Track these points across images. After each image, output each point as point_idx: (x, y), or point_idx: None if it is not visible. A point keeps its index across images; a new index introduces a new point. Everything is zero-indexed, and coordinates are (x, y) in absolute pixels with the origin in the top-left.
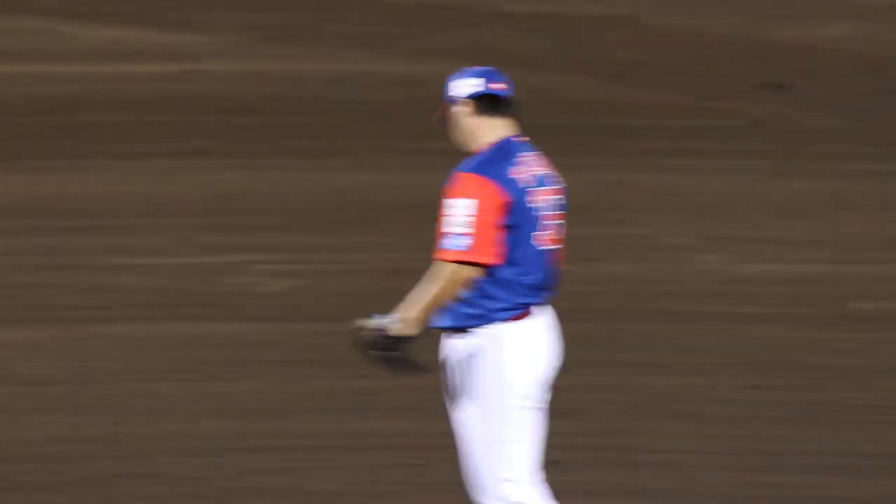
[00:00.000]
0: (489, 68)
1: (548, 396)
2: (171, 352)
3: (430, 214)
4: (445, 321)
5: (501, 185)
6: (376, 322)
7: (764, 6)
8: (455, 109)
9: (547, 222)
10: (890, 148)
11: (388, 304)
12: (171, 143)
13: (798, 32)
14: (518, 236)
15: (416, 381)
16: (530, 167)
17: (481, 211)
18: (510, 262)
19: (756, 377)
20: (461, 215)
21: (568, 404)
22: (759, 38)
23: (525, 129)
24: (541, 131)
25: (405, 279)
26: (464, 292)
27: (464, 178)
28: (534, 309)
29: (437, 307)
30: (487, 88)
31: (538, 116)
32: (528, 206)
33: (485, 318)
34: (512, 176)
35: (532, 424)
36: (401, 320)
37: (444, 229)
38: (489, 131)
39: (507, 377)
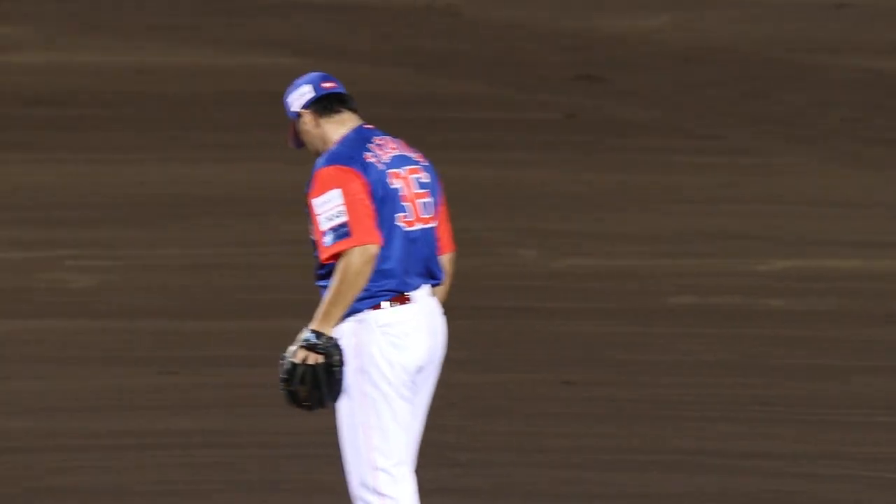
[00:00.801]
0: (315, 73)
1: (426, 387)
2: None
3: (238, 209)
4: None
5: (359, 169)
6: (290, 353)
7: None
8: (300, 124)
9: (410, 203)
10: (706, 140)
11: (186, 301)
12: None
13: (613, 24)
14: (381, 219)
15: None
16: (385, 150)
17: (349, 196)
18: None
19: (569, 373)
20: (330, 208)
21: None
22: (576, 30)
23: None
24: None
25: (213, 274)
26: (366, 279)
27: (322, 174)
28: (410, 294)
29: (344, 303)
30: (320, 89)
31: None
32: (388, 187)
33: (353, 306)
34: (367, 160)
35: (397, 413)
36: (312, 333)
37: (320, 228)
38: (337, 128)
39: (366, 362)
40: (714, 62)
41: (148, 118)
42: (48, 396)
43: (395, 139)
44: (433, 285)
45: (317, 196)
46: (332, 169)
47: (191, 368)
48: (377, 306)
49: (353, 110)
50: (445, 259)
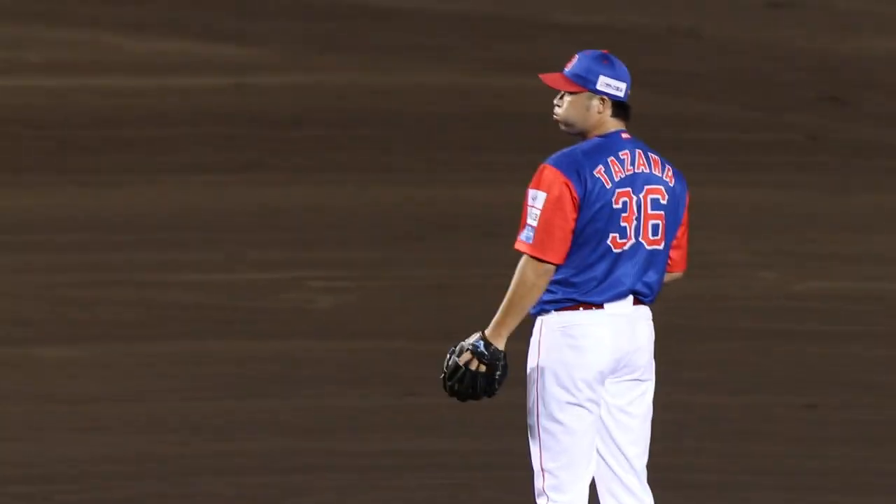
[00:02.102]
0: (627, 70)
1: (634, 401)
2: (220, 369)
3: (481, 230)
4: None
5: (576, 182)
6: (463, 351)
7: (823, 19)
8: (588, 99)
9: (632, 224)
10: None
11: (435, 321)
12: (219, 157)
13: (856, 45)
14: (588, 235)
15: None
16: (625, 166)
17: (550, 205)
18: (572, 258)
19: (812, 396)
20: (533, 207)
21: None
22: (818, 51)
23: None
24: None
25: (451, 296)
26: (539, 290)
27: (544, 171)
28: (606, 306)
29: (518, 306)
30: (627, 95)
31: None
32: (609, 206)
33: (540, 309)
34: (596, 174)
35: (571, 416)
36: (482, 340)
37: (525, 220)
38: (604, 128)
39: (542, 360)
40: None
41: (392, 139)
42: (288, 416)
43: (648, 153)
44: (640, 301)
45: (532, 188)
46: (553, 171)
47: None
48: (562, 308)
49: (626, 120)
50: (671, 277)
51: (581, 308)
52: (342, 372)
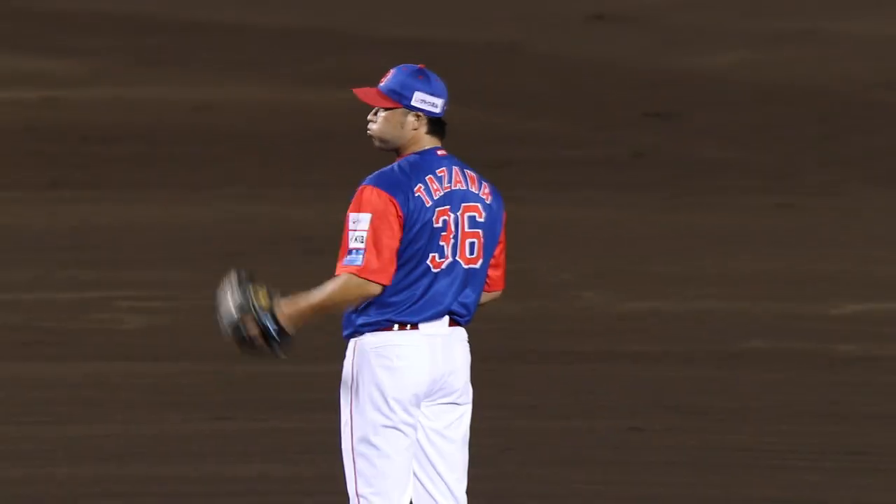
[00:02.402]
0: (444, 86)
1: (452, 424)
2: (25, 393)
3: (302, 247)
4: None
5: (400, 201)
6: (254, 309)
7: (648, 34)
8: (403, 115)
9: (450, 242)
10: (780, 181)
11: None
12: (27, 174)
13: (686, 61)
14: (408, 255)
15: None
16: (443, 183)
17: (376, 226)
18: (400, 273)
19: (636, 419)
20: (358, 230)
21: None
22: (644, 67)
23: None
24: None
25: None
26: (351, 305)
27: (365, 192)
28: (421, 326)
29: (321, 311)
30: (443, 111)
31: None
32: (430, 224)
33: (353, 331)
34: (417, 193)
35: (386, 440)
36: (280, 313)
37: (347, 244)
38: (419, 144)
39: (357, 384)
40: (790, 101)
41: (208, 155)
42: (94, 442)
43: (464, 170)
44: (456, 321)
45: (353, 211)
46: (375, 192)
47: (246, 413)
48: (377, 329)
49: (442, 137)
50: (488, 296)
51: (396, 328)
52: (152, 395)
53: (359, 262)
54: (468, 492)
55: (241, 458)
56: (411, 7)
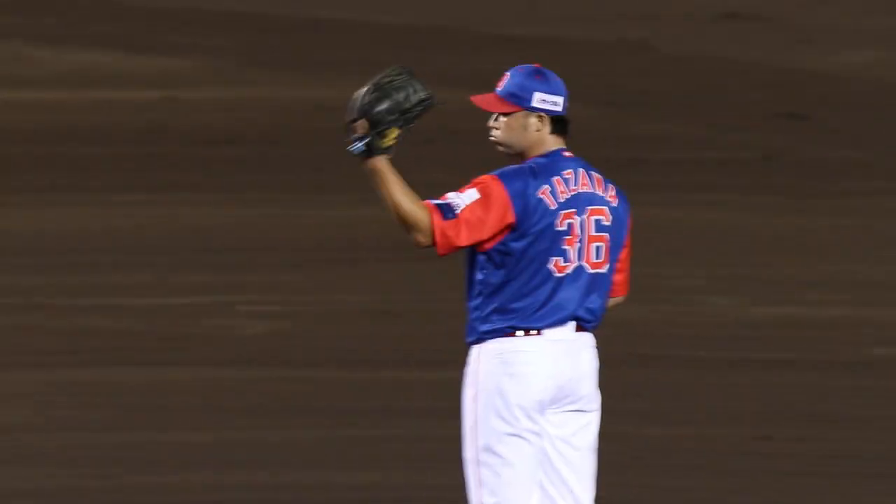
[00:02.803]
0: (562, 83)
1: (577, 433)
2: (144, 399)
3: (417, 253)
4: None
5: (517, 205)
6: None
7: (780, 32)
8: (524, 117)
9: (575, 246)
10: None
11: (375, 348)
12: (146, 176)
13: (818, 60)
14: (529, 258)
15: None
16: (570, 185)
17: (483, 204)
18: (511, 283)
19: (766, 428)
20: (463, 198)
21: None
22: (776, 66)
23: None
24: None
25: (393, 321)
26: (403, 228)
27: (485, 179)
28: (546, 332)
29: (386, 198)
30: (565, 110)
31: None
32: (552, 228)
33: (477, 338)
34: (540, 195)
35: (509, 449)
36: (378, 159)
37: (443, 197)
38: (544, 146)
39: (480, 390)
40: None
41: (329, 157)
42: (215, 449)
43: (590, 172)
44: (582, 327)
45: (469, 187)
46: (495, 181)
47: (370, 420)
48: (500, 336)
49: (566, 136)
50: (612, 301)
51: (520, 334)
52: (275, 402)
53: (447, 216)
54: (596, 500)
55: (365, 464)
56: (537, 5)
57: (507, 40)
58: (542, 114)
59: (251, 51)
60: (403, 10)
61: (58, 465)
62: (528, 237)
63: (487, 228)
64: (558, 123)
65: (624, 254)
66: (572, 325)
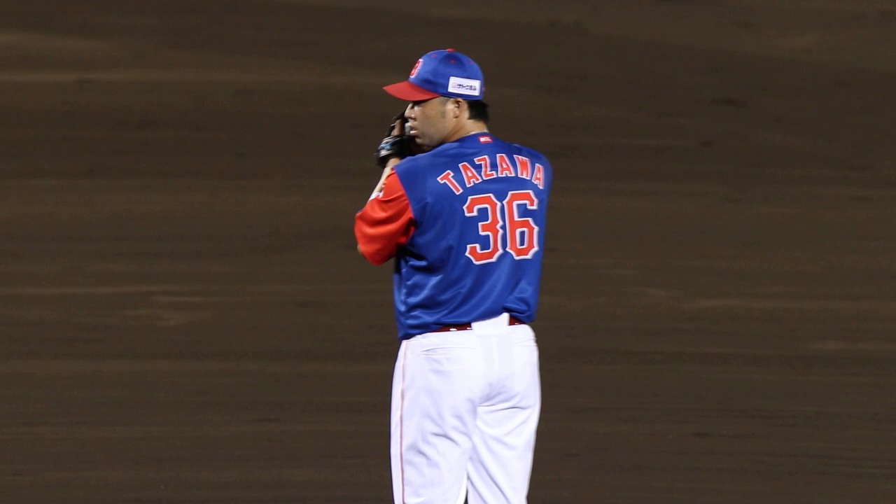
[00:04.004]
0: (478, 67)
1: (514, 430)
2: (62, 392)
3: (345, 241)
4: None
5: (413, 199)
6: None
7: (719, 15)
8: (441, 104)
9: (495, 232)
10: (858, 171)
11: (299, 340)
12: (62, 161)
13: (756, 43)
14: (442, 248)
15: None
16: (482, 172)
17: (380, 210)
18: (433, 275)
19: (704, 424)
20: (371, 203)
21: None
22: (714, 50)
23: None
24: None
25: (318, 313)
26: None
27: (391, 181)
28: (473, 324)
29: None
30: (482, 94)
31: None
32: (457, 213)
33: (405, 333)
34: (442, 181)
35: (434, 448)
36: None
37: (373, 196)
38: (463, 132)
39: (406, 387)
40: (866, 86)
41: (250, 142)
42: (133, 444)
43: (513, 154)
44: (517, 318)
45: (380, 192)
46: (397, 184)
47: (292, 415)
48: (427, 332)
49: (486, 121)
50: None
51: (448, 330)
52: (193, 396)
53: (364, 230)
54: (529, 499)
55: (287, 462)
56: None
57: (437, 22)
58: (459, 99)
59: (171, 31)
60: None
61: None
62: (435, 226)
63: (389, 234)
64: (476, 108)
65: None
66: (504, 317)
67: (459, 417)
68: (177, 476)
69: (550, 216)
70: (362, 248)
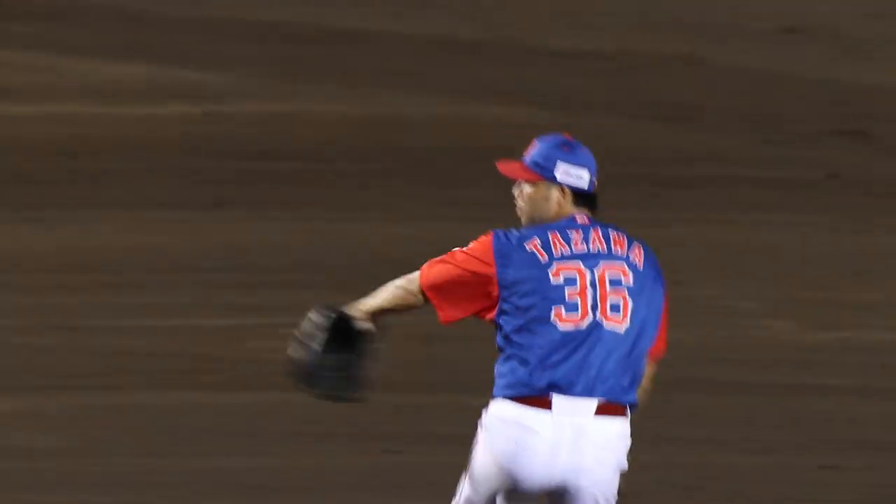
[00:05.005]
0: (591, 156)
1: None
2: (186, 423)
3: None
4: None
5: (497, 263)
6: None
7: (839, 45)
8: (547, 188)
9: (584, 300)
10: None
11: (424, 374)
12: (188, 192)
13: (876, 73)
14: (527, 312)
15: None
16: (572, 243)
17: (458, 265)
18: (519, 340)
19: (830, 457)
20: (456, 253)
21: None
22: (835, 80)
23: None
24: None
25: (439, 345)
26: (403, 305)
27: (483, 236)
28: (553, 399)
29: (387, 305)
30: (591, 186)
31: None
32: (543, 281)
33: (495, 392)
34: (529, 248)
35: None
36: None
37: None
38: (561, 214)
39: (475, 459)
40: None
41: (375, 173)
42: (256, 475)
43: (610, 232)
44: (609, 402)
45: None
46: (487, 238)
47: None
48: (504, 397)
49: (592, 209)
50: (655, 366)
51: (523, 399)
52: (310, 427)
53: (429, 269)
54: None
55: (409, 493)
56: (583, 16)
57: (552, 53)
58: (564, 187)
59: (286, 62)
60: (435, 21)
61: (104, 490)
62: (517, 287)
63: (462, 284)
64: (583, 198)
65: (661, 321)
66: (594, 403)
67: (510, 495)
68: None
69: (668, 249)
70: (427, 280)
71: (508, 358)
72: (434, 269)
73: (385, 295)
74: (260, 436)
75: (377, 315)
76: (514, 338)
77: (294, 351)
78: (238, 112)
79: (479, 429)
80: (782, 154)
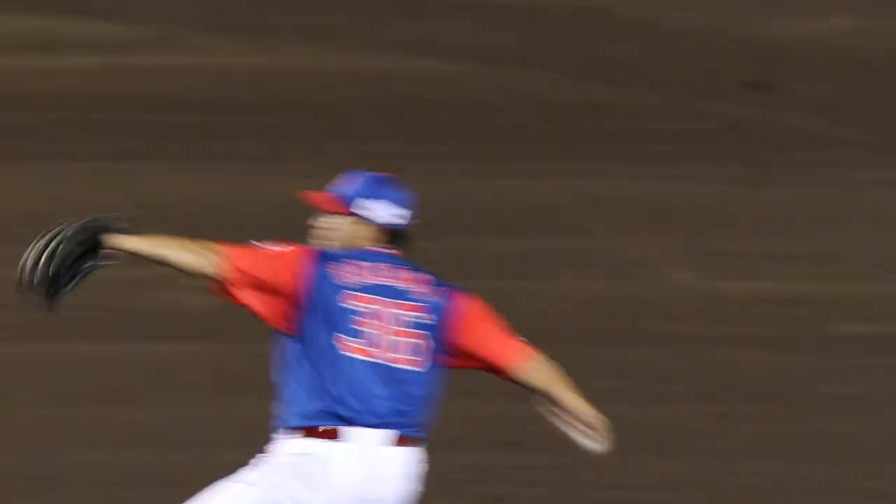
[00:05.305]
0: (406, 192)
1: None
2: (85, 374)
3: None
4: None
5: (309, 268)
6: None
7: None
8: (352, 223)
9: (370, 332)
10: (888, 155)
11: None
12: (95, 146)
13: (787, 27)
14: (313, 329)
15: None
16: (362, 272)
17: (272, 250)
18: (306, 357)
19: (728, 405)
20: (264, 245)
21: (520, 434)
22: (744, 33)
23: (489, 130)
24: (502, 133)
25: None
26: (189, 270)
27: (295, 246)
28: (340, 430)
29: (158, 248)
30: (406, 223)
31: (499, 116)
32: (335, 303)
33: (279, 423)
34: (329, 270)
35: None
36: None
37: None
38: (366, 249)
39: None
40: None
41: (282, 126)
42: (156, 426)
43: (412, 273)
44: (403, 434)
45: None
46: (296, 256)
47: None
48: (291, 431)
49: (401, 249)
50: (527, 369)
51: (307, 432)
52: (217, 378)
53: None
54: (567, 481)
55: None
56: None
57: (467, 6)
58: (369, 223)
59: (204, 16)
60: None
61: (2, 444)
62: (306, 303)
63: (270, 274)
64: (389, 235)
65: (494, 338)
66: (379, 433)
67: None
68: (196, 457)
69: (576, 200)
70: (224, 255)
71: (290, 383)
72: (247, 255)
73: (173, 249)
74: (165, 387)
75: (141, 257)
76: (297, 362)
77: (43, 248)
78: (140, 64)
79: (266, 456)
80: (687, 108)
